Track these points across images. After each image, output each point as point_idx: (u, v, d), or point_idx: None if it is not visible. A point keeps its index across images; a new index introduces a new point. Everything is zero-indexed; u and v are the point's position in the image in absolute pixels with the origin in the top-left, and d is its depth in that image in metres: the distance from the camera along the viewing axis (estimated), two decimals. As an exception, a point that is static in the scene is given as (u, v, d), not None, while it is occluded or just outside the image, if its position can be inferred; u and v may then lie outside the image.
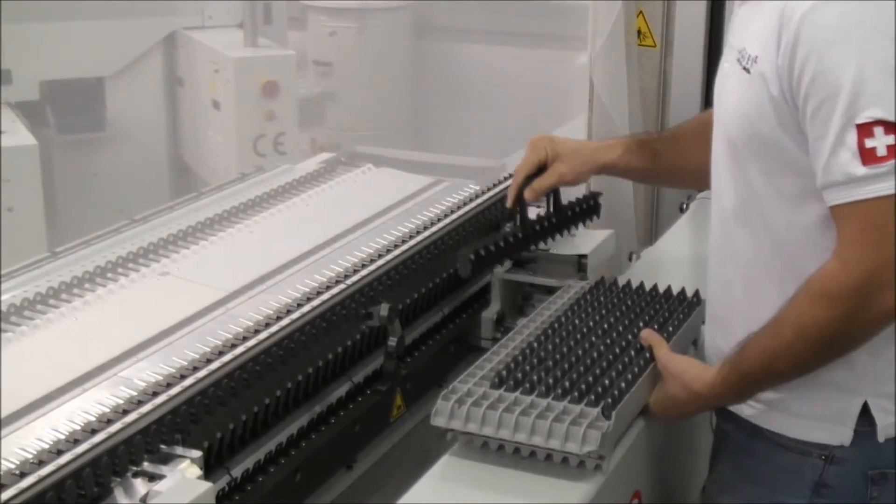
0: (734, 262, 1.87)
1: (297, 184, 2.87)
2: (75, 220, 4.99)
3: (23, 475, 1.43)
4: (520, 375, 1.83)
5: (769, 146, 1.73)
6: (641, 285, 2.22)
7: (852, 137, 1.61)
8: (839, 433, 1.78)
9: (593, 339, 1.99)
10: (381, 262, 2.15)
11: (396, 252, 2.21)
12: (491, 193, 2.57)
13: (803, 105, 1.66)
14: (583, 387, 1.80)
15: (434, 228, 2.35)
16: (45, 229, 4.75)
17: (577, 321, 2.06)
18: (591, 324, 2.04)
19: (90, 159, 5.60)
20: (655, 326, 2.02)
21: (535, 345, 1.96)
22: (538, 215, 2.33)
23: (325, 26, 6.88)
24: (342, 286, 2.02)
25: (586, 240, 2.41)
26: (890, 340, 1.74)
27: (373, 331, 2.03)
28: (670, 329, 2.03)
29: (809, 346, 1.69)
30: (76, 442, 1.51)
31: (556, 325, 2.05)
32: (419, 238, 2.29)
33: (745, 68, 1.76)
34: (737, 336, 1.79)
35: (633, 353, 1.93)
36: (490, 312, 2.32)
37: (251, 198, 2.73)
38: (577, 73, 3.71)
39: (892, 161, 1.59)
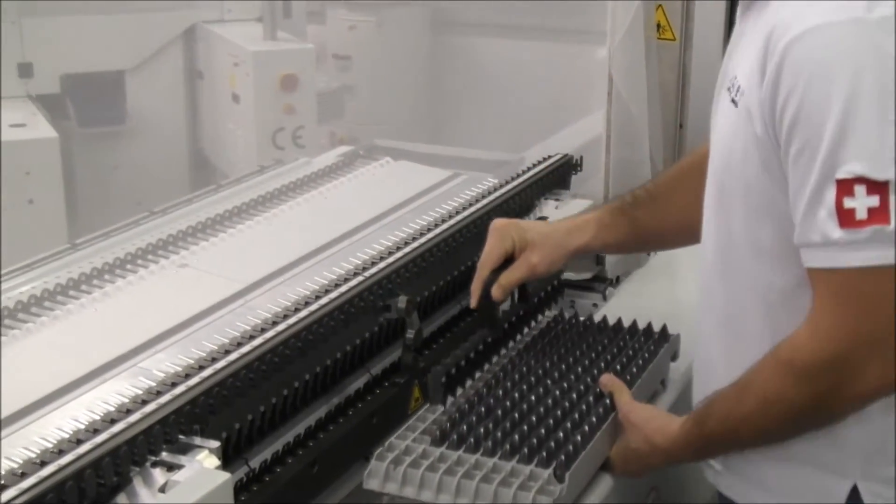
0: (712, 315, 1.71)
1: (315, 177, 2.88)
2: (95, 213, 5.00)
3: (43, 464, 1.44)
4: (464, 429, 1.70)
5: (751, 190, 1.54)
6: (604, 320, 2.10)
7: (831, 194, 1.39)
8: None
9: (549, 382, 1.85)
10: (399, 254, 2.15)
11: (414, 245, 2.21)
12: (509, 187, 2.57)
13: (785, 146, 1.45)
14: (534, 442, 1.65)
15: (452, 221, 2.35)
16: (65, 221, 4.77)
17: (532, 362, 1.92)
18: (547, 365, 1.91)
19: (110, 152, 5.61)
20: (619, 367, 1.89)
21: (485, 391, 1.83)
22: (502, 310, 2.09)
23: (344, 20, 6.88)
24: (360, 278, 2.02)
25: (605, 233, 2.40)
26: (884, 414, 1.53)
27: (391, 323, 2.03)
28: (634, 370, 1.89)
29: (774, 419, 1.52)
30: (96, 432, 1.52)
31: (508, 368, 1.91)
32: (437, 231, 2.29)
33: (733, 100, 1.56)
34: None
35: (591, 399, 1.79)
36: (507, 305, 2.31)
37: (270, 190, 2.74)
38: (595, 67, 3.70)
39: (873, 227, 1.38)
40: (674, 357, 2.06)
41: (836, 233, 1.40)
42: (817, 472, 1.58)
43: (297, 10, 6.09)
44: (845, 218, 1.39)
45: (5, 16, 5.11)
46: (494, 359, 2.00)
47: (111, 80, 5.55)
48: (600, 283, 2.51)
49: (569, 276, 2.40)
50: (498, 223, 2.05)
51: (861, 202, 1.38)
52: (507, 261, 2.00)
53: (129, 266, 2.28)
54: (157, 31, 5.74)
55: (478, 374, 1.94)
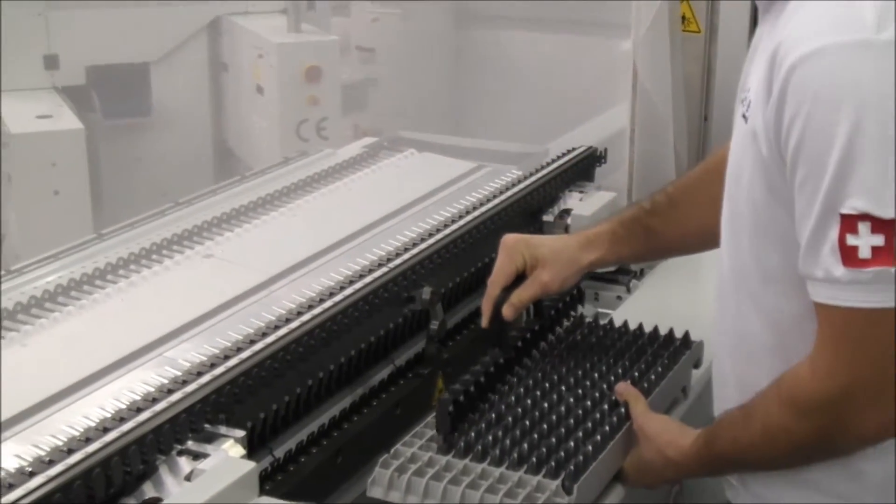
0: (724, 334, 1.66)
1: (339, 168, 2.89)
2: (120, 204, 5.03)
3: (70, 452, 1.45)
4: (472, 437, 1.65)
5: (758, 211, 1.48)
6: (625, 324, 2.04)
7: (834, 230, 1.33)
8: None
9: (563, 389, 1.79)
10: (423, 245, 2.16)
11: (439, 236, 2.21)
12: (533, 179, 2.57)
13: (791, 170, 1.38)
14: (543, 451, 1.60)
15: (476, 213, 2.35)
16: (91, 212, 4.80)
17: (548, 367, 1.87)
18: (563, 371, 1.85)
19: (135, 144, 5.64)
20: (637, 375, 1.84)
21: (496, 397, 1.79)
22: (516, 328, 1.99)
23: (368, 12, 6.88)
24: (384, 269, 2.02)
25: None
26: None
27: (415, 314, 2.04)
28: (652, 378, 1.82)
29: (779, 450, 1.49)
30: (122, 420, 1.53)
31: (522, 374, 1.87)
32: (461, 222, 2.29)
33: (744, 115, 1.48)
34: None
35: (606, 408, 1.73)
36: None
37: (294, 182, 2.75)
38: (620, 60, 3.69)
39: (876, 269, 1.31)
40: (696, 364, 2.00)
41: (839, 270, 1.34)
42: (835, 501, 1.53)
43: (321, 3, 6.10)
44: (848, 256, 1.33)
45: (32, 8, 5.14)
46: (507, 378, 1.89)
47: (136, 72, 5.58)
48: (625, 275, 2.51)
49: (593, 267, 2.39)
50: (508, 240, 1.97)
51: (865, 241, 1.31)
52: (520, 278, 1.94)
53: (154, 256, 2.29)
54: (181, 23, 5.76)
55: (489, 395, 1.84)
